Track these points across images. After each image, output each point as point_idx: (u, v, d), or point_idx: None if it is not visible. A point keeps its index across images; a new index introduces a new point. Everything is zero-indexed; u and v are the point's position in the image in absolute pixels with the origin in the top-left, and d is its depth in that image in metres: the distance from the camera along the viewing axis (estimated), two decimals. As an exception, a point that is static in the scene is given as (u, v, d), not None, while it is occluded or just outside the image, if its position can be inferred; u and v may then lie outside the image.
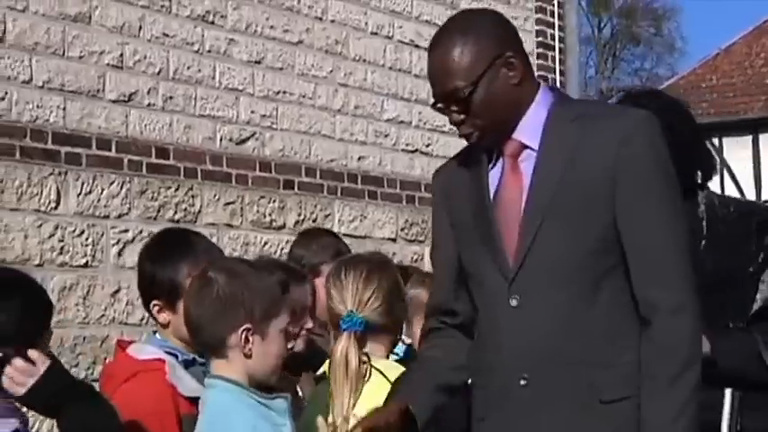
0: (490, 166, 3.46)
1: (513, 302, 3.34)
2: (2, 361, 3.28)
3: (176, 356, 3.91)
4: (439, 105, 3.41)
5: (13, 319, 3.28)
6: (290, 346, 4.15)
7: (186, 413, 3.79)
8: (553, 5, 10.62)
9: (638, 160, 3.28)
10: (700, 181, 4.09)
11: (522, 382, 3.32)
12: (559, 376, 3.29)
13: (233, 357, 3.50)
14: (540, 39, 10.34)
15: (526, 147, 3.39)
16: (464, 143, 3.49)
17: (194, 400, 3.76)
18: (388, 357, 4.06)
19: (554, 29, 10.53)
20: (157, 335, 4.06)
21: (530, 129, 3.39)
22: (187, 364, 3.91)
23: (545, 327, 3.31)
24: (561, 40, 10.56)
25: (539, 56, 10.30)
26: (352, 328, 3.90)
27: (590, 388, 3.28)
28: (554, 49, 10.48)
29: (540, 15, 10.36)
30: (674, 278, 3.27)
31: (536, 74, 3.59)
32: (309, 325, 4.29)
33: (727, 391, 3.85)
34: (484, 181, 3.45)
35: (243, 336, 3.47)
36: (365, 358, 3.89)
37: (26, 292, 3.39)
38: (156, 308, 3.99)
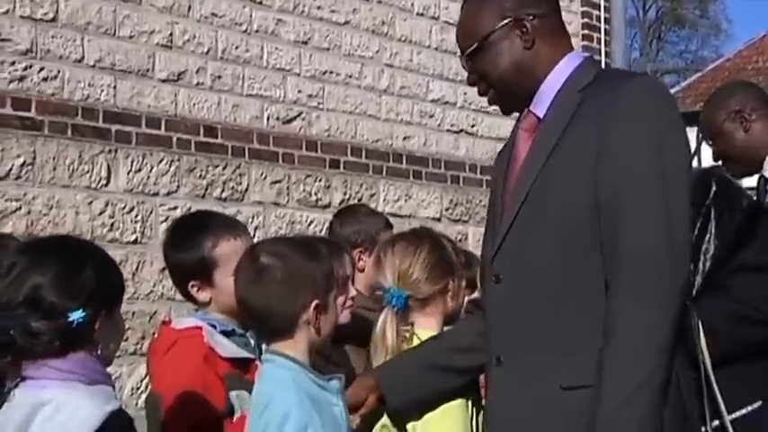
0: (515, 141, 3.36)
1: (494, 279, 3.25)
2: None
3: (215, 327, 3.97)
4: (463, 64, 3.34)
5: (95, 277, 3.14)
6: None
7: (227, 372, 3.88)
8: (599, -10, 10.62)
9: (621, 133, 3.04)
10: None
11: (495, 363, 3.23)
12: (526, 358, 3.15)
13: (299, 336, 3.44)
14: (585, 20, 10.33)
15: (540, 119, 3.26)
16: (507, 123, 3.46)
17: (234, 362, 3.89)
18: (443, 328, 3.99)
19: (600, 10, 10.51)
20: (199, 311, 4.12)
21: (543, 100, 3.25)
22: (226, 335, 3.98)
23: (516, 307, 3.18)
24: (607, 21, 10.51)
25: (584, 37, 10.30)
26: (391, 304, 3.92)
27: (553, 374, 3.09)
28: (599, 31, 10.45)
29: (586, -1, 10.38)
30: (634, 266, 2.99)
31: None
32: (353, 293, 4.33)
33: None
34: (506, 156, 3.37)
35: (314, 312, 3.44)
36: (407, 333, 3.88)
37: (101, 256, 3.30)
38: (195, 288, 4.05)
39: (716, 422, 3.75)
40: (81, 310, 3.06)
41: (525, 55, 3.23)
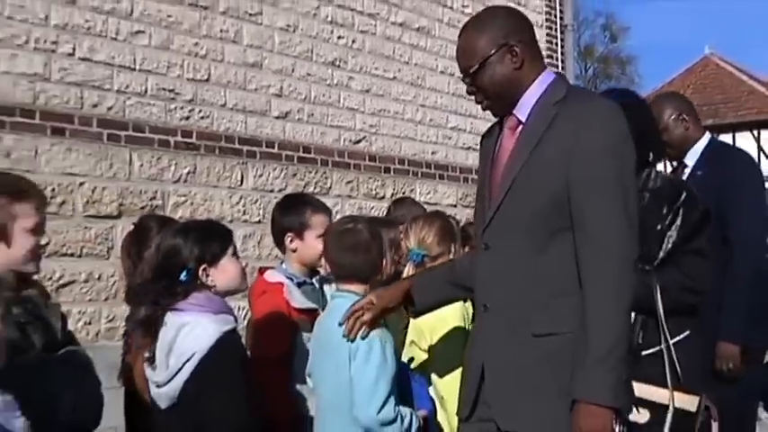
0: (500, 136, 2.96)
1: (484, 246, 2.87)
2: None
3: (292, 280, 3.83)
4: (462, 79, 2.94)
5: (195, 247, 3.12)
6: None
7: (297, 318, 3.72)
8: (557, 55, 10.56)
9: (589, 141, 2.69)
10: (651, 159, 3.57)
11: (483, 309, 2.88)
12: (506, 309, 2.79)
13: (372, 282, 3.35)
14: (548, 75, 10.30)
15: (521, 122, 2.87)
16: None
17: (303, 311, 3.73)
18: None
19: (557, 69, 10.49)
20: (284, 264, 3.95)
21: (524, 107, 2.85)
22: (299, 285, 3.84)
23: (501, 268, 2.81)
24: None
25: (547, 86, 10.25)
26: (412, 259, 3.86)
27: (527, 323, 2.75)
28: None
29: (548, 60, 10.33)
30: (604, 242, 2.66)
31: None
32: (403, 253, 4.29)
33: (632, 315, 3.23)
34: (491, 148, 2.96)
35: (384, 266, 3.45)
36: None
37: (199, 231, 3.21)
38: (289, 238, 3.88)
39: (656, 348, 3.50)
40: (185, 272, 3.09)
41: (515, 73, 2.84)
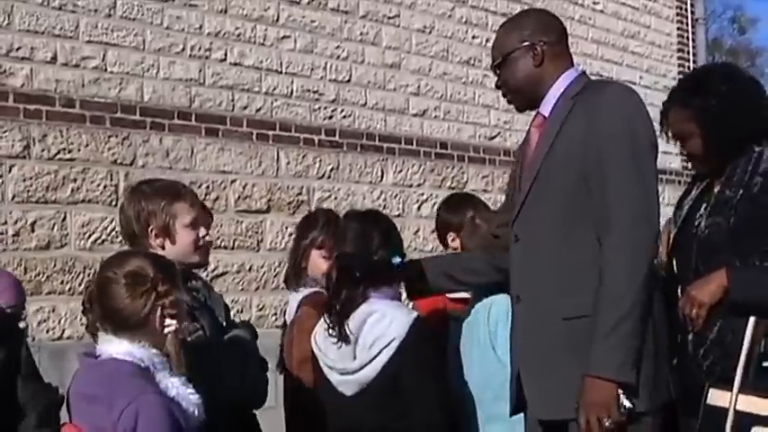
0: (529, 137, 2.90)
1: (514, 239, 2.82)
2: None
3: None
4: (494, 73, 2.94)
5: (382, 234, 3.06)
6: None
7: (451, 308, 3.69)
8: (689, 49, 10.14)
9: (602, 129, 2.64)
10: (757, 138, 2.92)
11: (516, 300, 2.82)
12: (536, 298, 2.73)
13: None
14: (680, 69, 9.89)
15: (545, 118, 2.82)
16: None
17: (456, 300, 3.66)
18: None
19: (689, 62, 10.08)
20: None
21: (548, 103, 2.80)
22: None
23: (530, 258, 2.76)
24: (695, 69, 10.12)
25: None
26: None
27: (557, 309, 2.68)
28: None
29: (680, 54, 9.95)
30: (618, 223, 2.58)
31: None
32: None
33: (751, 319, 2.69)
34: (523, 148, 2.91)
35: None
36: None
37: (387, 220, 3.21)
38: (451, 237, 3.94)
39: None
40: (399, 259, 3.00)
41: (534, 70, 2.81)
